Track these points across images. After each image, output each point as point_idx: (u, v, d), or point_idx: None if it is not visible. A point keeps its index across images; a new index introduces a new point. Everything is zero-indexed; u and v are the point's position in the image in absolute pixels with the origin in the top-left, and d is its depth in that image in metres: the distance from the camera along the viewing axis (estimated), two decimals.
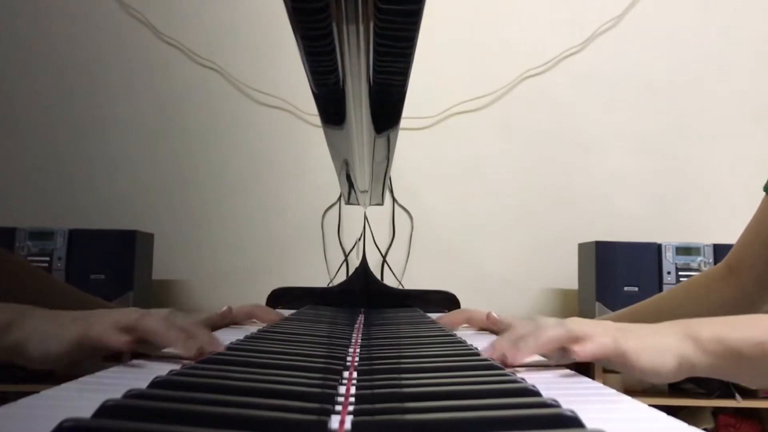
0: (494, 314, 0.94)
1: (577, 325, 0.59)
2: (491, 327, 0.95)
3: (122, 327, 0.55)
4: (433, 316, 1.09)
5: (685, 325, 0.59)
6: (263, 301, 1.44)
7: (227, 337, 0.68)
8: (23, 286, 0.89)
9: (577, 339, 0.57)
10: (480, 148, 2.19)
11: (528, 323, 0.64)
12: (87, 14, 2.20)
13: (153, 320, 0.57)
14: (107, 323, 0.55)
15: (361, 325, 0.90)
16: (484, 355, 0.57)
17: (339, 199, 2.11)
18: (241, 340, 0.64)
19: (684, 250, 1.84)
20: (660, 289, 1.79)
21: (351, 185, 1.09)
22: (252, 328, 0.87)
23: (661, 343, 0.57)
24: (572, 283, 2.02)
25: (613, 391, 0.48)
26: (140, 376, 0.49)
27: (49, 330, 0.55)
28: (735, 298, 0.89)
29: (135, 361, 0.56)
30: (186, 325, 0.59)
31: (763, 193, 0.88)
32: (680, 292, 0.97)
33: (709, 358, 0.57)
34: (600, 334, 0.57)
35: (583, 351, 0.55)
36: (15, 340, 0.54)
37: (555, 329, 0.58)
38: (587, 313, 1.84)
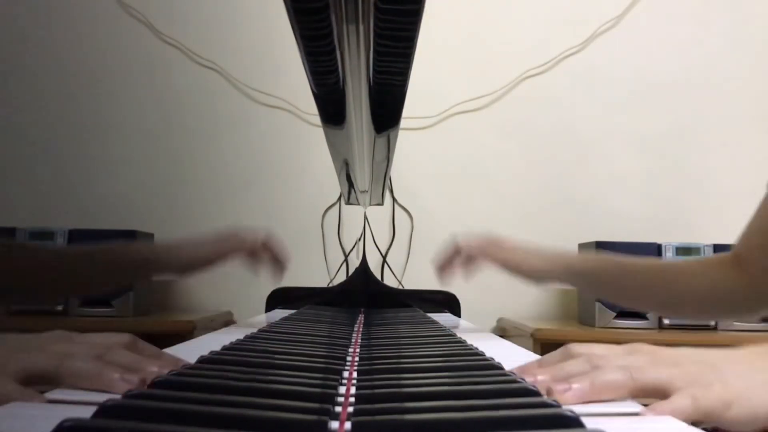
0: (463, 241, 0.93)
1: (649, 372, 0.45)
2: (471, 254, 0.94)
3: (33, 376, 0.43)
4: (434, 316, 1.09)
5: None
6: (263, 301, 1.44)
7: (227, 337, 0.68)
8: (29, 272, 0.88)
9: (644, 392, 0.45)
10: (480, 148, 2.19)
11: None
12: (87, 14, 2.20)
13: (80, 361, 0.44)
14: (7, 373, 0.42)
15: (361, 325, 0.90)
16: (528, 380, 0.46)
17: (339, 199, 2.11)
18: (241, 340, 0.64)
19: (684, 250, 1.84)
20: None
21: (351, 185, 1.09)
22: (252, 329, 0.87)
23: (760, 382, 0.46)
24: None
25: None
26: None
27: None
28: (742, 285, 0.88)
29: None
30: (128, 357, 0.48)
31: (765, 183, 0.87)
32: (693, 266, 0.94)
33: None
34: (678, 391, 0.44)
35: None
36: None
37: (616, 373, 0.45)
38: (587, 314, 1.84)
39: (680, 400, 0.43)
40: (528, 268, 0.96)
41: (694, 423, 0.41)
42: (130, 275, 0.98)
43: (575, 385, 0.44)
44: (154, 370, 0.46)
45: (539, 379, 0.47)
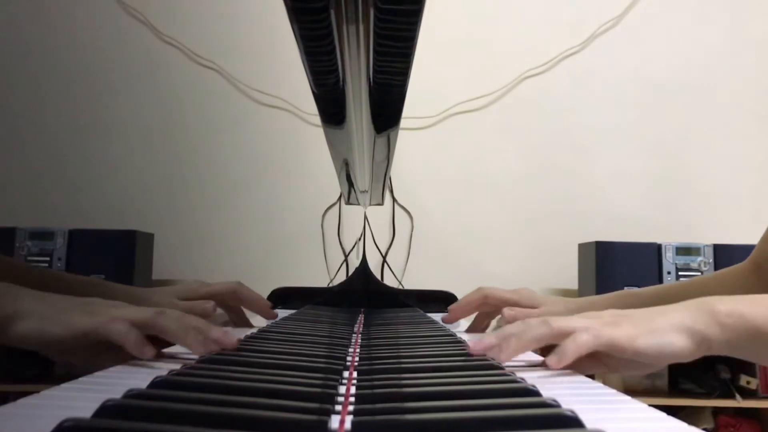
0: (510, 311, 0.91)
1: (564, 321, 0.55)
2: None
3: (137, 324, 0.53)
4: (434, 316, 1.09)
5: (698, 301, 0.56)
6: None
7: None
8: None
9: (561, 336, 0.54)
10: (480, 148, 2.19)
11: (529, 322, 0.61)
12: (87, 14, 2.20)
13: (168, 319, 0.55)
14: (120, 318, 0.53)
15: (361, 325, 0.90)
16: (471, 349, 0.57)
17: (339, 199, 2.11)
18: (241, 340, 0.64)
19: (684, 250, 1.84)
20: None
21: (351, 185, 1.09)
22: (252, 329, 0.87)
23: (665, 323, 0.53)
24: (572, 283, 2.02)
25: (613, 390, 0.48)
26: (140, 376, 0.49)
27: (49, 313, 0.53)
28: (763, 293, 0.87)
29: (135, 361, 0.55)
30: (199, 324, 0.58)
31: None
32: (707, 282, 0.94)
33: (727, 333, 0.53)
34: (582, 330, 0.53)
35: (558, 362, 0.52)
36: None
37: (539, 328, 0.55)
38: None
39: (582, 336, 0.52)
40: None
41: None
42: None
43: (504, 347, 0.55)
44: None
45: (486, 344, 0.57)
